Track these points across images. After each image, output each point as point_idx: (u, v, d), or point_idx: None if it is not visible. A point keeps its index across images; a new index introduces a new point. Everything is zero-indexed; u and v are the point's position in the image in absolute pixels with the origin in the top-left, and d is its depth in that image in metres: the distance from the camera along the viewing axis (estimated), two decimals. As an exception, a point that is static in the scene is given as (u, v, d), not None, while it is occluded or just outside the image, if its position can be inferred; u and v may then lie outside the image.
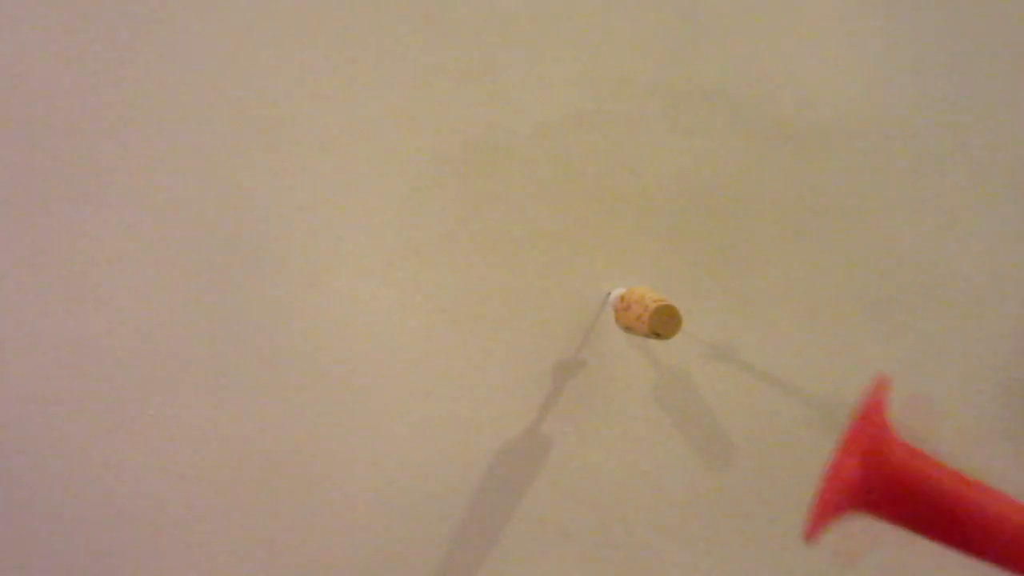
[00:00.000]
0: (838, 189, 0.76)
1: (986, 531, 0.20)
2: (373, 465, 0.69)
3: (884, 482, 0.19)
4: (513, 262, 0.70)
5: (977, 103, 0.78)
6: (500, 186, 0.70)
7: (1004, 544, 0.20)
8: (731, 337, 0.74)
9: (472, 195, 0.69)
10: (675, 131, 0.73)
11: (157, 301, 0.65)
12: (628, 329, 0.67)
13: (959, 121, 0.78)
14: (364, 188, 0.68)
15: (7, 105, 0.63)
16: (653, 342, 0.71)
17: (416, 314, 0.69)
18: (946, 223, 0.78)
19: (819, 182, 0.76)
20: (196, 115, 0.65)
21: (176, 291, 0.66)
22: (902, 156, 0.77)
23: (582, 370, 0.72)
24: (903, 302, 0.78)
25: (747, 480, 0.76)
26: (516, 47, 0.70)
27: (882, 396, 0.23)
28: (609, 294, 0.71)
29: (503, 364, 0.71)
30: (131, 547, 0.65)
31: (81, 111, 0.64)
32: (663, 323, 0.62)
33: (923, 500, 0.20)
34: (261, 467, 0.67)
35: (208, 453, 0.66)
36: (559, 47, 0.71)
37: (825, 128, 0.76)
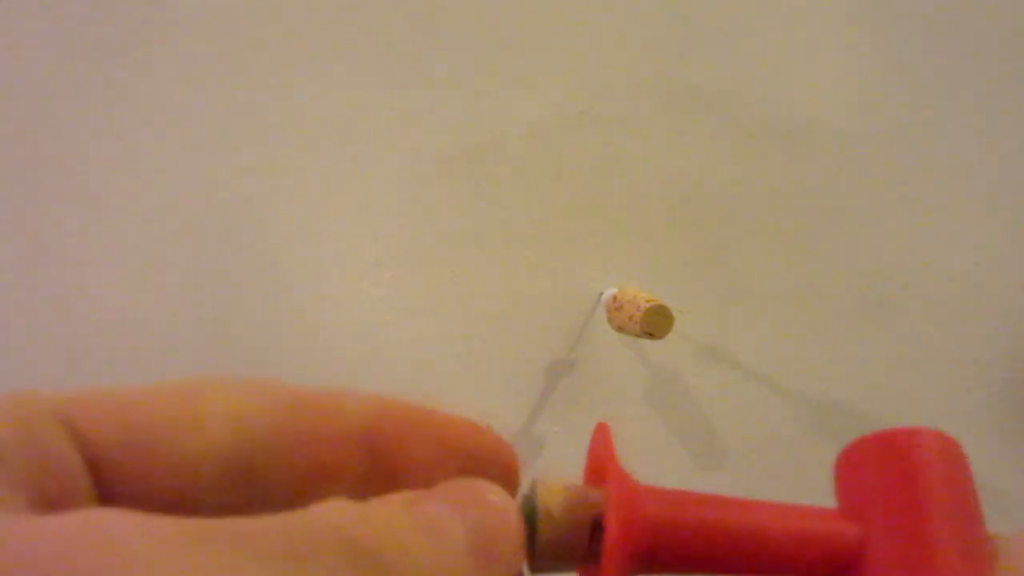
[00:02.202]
0: (829, 190, 0.76)
1: (760, 547, 0.19)
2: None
3: (646, 536, 0.18)
4: (505, 262, 0.70)
5: (967, 105, 0.79)
6: (492, 186, 0.70)
7: (776, 553, 0.19)
8: (723, 337, 0.75)
9: (463, 195, 0.69)
10: (667, 132, 0.73)
11: (150, 300, 0.65)
12: (620, 329, 0.66)
13: (949, 122, 0.78)
14: (354, 188, 0.68)
15: (3, 105, 0.63)
16: (645, 342, 0.71)
17: (407, 314, 0.69)
18: (936, 223, 0.78)
19: (810, 183, 0.76)
20: (189, 116, 0.65)
21: (169, 291, 0.65)
22: (893, 157, 0.78)
23: (574, 370, 0.72)
24: (893, 302, 0.78)
25: (739, 480, 0.76)
26: (508, 47, 0.70)
27: (610, 445, 0.20)
28: (601, 294, 0.71)
29: (495, 364, 0.70)
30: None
31: (76, 110, 0.63)
32: (655, 323, 0.62)
33: (690, 541, 0.19)
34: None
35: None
36: (551, 47, 0.70)
37: (816, 129, 0.76)
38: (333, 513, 0.13)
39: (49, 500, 0.14)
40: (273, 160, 0.66)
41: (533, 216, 0.70)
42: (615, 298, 0.67)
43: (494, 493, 0.16)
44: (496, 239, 0.70)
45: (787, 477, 0.74)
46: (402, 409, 0.18)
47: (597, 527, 0.17)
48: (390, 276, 0.68)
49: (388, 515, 0.14)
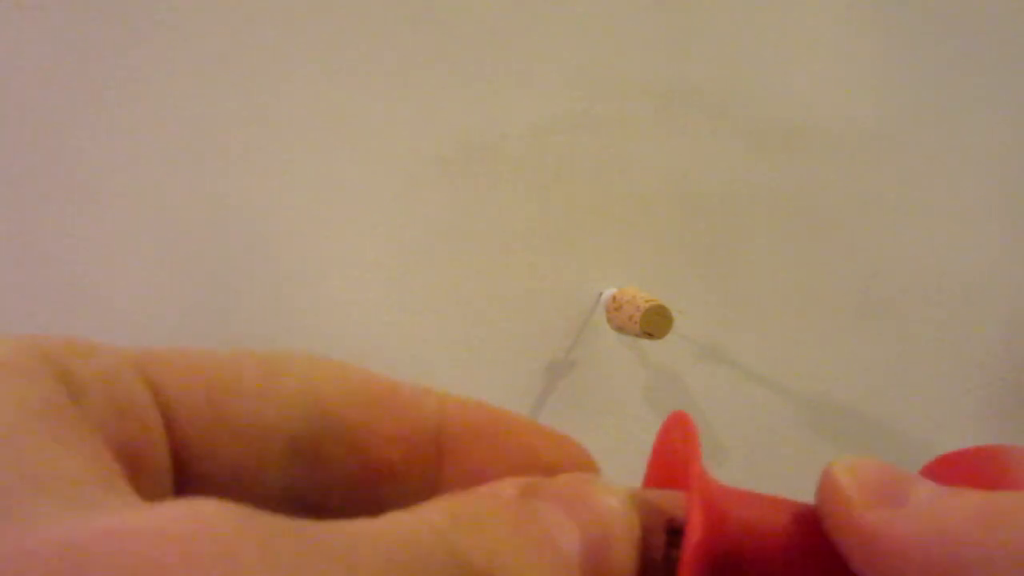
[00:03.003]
0: (829, 191, 0.76)
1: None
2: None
3: (730, 540, 0.16)
4: (504, 262, 0.70)
5: (968, 106, 0.79)
6: (491, 186, 0.70)
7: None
8: (723, 337, 0.75)
9: (462, 195, 0.69)
10: (667, 132, 0.73)
11: (150, 300, 0.65)
12: (620, 329, 0.66)
13: (950, 123, 0.78)
14: (353, 188, 0.68)
15: (1, 104, 0.62)
16: (645, 342, 0.71)
17: (405, 314, 0.69)
18: (936, 224, 0.78)
19: (811, 183, 0.76)
20: (188, 115, 0.65)
21: (166, 291, 0.65)
22: (894, 158, 0.78)
23: (573, 370, 0.72)
24: (893, 303, 0.78)
25: (739, 480, 0.76)
26: (508, 47, 0.70)
27: (695, 441, 0.17)
28: (601, 294, 0.71)
29: (494, 364, 0.70)
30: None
31: (75, 109, 0.63)
32: (655, 323, 0.62)
33: (777, 549, 0.17)
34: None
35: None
36: (551, 47, 0.70)
37: (817, 130, 0.76)
38: (440, 517, 0.12)
39: (128, 448, 0.13)
40: (273, 160, 0.66)
41: (533, 216, 0.70)
42: (614, 298, 0.67)
43: (612, 496, 0.14)
44: (496, 239, 0.70)
45: (787, 477, 0.74)
46: (482, 415, 0.17)
47: (673, 533, 0.16)
48: (390, 276, 0.68)
49: (501, 521, 0.12)
